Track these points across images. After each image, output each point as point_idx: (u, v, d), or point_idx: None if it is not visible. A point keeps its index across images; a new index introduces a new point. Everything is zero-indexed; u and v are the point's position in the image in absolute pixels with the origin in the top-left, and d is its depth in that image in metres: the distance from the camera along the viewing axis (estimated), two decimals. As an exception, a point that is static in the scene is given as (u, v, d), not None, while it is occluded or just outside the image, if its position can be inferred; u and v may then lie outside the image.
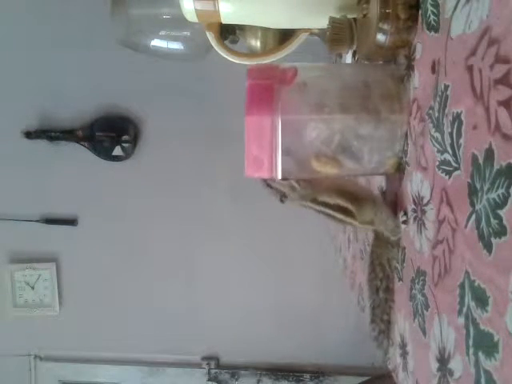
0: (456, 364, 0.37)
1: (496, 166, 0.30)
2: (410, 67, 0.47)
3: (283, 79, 0.47)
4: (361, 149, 0.49)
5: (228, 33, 0.68)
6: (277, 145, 0.46)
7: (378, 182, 0.60)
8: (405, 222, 0.49)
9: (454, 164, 0.37)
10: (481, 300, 0.32)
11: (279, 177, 0.48)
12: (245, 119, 0.47)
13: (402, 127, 0.48)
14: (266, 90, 0.47)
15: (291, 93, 0.48)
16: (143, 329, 1.75)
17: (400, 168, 0.50)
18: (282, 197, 0.51)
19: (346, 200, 0.51)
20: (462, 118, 0.35)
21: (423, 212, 0.44)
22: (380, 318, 0.56)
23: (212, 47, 0.66)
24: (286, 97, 0.47)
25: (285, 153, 0.47)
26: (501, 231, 0.29)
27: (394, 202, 0.53)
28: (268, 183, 0.51)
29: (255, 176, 0.50)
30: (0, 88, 1.62)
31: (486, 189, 0.31)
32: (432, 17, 0.41)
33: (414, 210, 0.47)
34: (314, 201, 0.51)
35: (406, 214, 0.49)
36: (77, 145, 1.61)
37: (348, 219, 0.52)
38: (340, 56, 0.85)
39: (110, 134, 1.60)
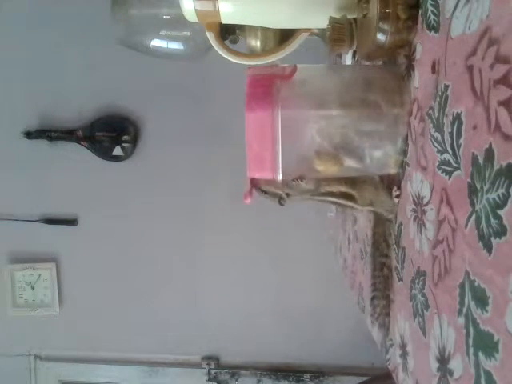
0: (456, 364, 0.37)
1: (496, 166, 0.30)
2: (410, 67, 0.47)
3: (283, 75, 0.47)
4: (362, 145, 0.49)
5: (228, 33, 0.68)
6: (277, 140, 0.46)
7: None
8: (398, 197, 0.51)
9: (454, 164, 0.37)
10: (481, 300, 0.32)
11: (280, 175, 0.48)
12: (245, 115, 0.47)
13: (403, 122, 0.48)
14: (266, 84, 0.47)
15: (291, 89, 0.48)
16: (143, 329, 1.75)
17: (402, 167, 0.50)
18: (281, 200, 0.52)
19: (347, 186, 0.52)
20: (462, 117, 0.35)
21: (423, 212, 0.44)
22: (382, 294, 0.56)
23: (212, 47, 0.66)
24: (286, 92, 0.47)
25: (285, 149, 0.47)
26: (501, 231, 0.29)
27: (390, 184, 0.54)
28: (262, 190, 0.52)
29: (258, 176, 0.50)
30: (0, 88, 1.62)
31: (486, 189, 0.31)
32: (432, 17, 0.41)
33: (414, 210, 0.47)
34: (319, 194, 0.52)
35: (399, 188, 0.50)
36: (77, 145, 1.61)
37: (350, 203, 0.54)
38: (340, 56, 0.85)
39: (110, 134, 1.60)
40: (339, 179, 0.53)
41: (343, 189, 0.53)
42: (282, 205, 0.52)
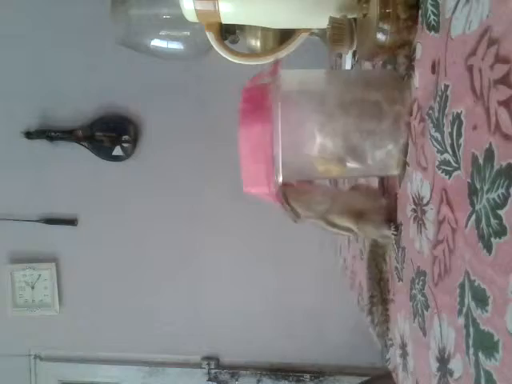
0: (456, 364, 0.37)
1: (496, 166, 0.30)
2: (410, 67, 0.47)
3: (270, 71, 0.47)
4: (364, 144, 0.49)
5: (228, 33, 0.68)
6: (277, 142, 0.46)
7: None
8: (394, 234, 0.52)
9: (454, 164, 0.37)
10: (481, 300, 0.32)
11: (280, 178, 0.48)
12: (240, 125, 0.46)
13: (404, 120, 0.48)
14: (262, 96, 0.46)
15: (291, 90, 0.48)
16: (143, 329, 1.75)
17: (404, 168, 0.50)
18: (296, 218, 0.53)
19: (353, 221, 0.53)
20: (462, 118, 0.35)
21: (423, 212, 0.44)
22: (379, 300, 0.57)
23: (212, 47, 0.66)
24: (285, 93, 0.46)
25: (286, 150, 0.47)
26: (501, 231, 0.29)
27: (391, 207, 0.54)
28: (288, 203, 0.52)
29: (255, 189, 0.49)
30: (0, 88, 1.62)
31: (486, 189, 0.31)
32: (432, 17, 0.41)
33: (414, 210, 0.47)
34: (326, 221, 0.53)
35: (396, 227, 0.52)
36: (77, 145, 1.61)
37: (351, 234, 0.55)
38: (340, 56, 0.85)
39: (110, 134, 1.60)
40: (347, 214, 0.53)
41: (347, 224, 0.53)
42: (295, 222, 0.53)
